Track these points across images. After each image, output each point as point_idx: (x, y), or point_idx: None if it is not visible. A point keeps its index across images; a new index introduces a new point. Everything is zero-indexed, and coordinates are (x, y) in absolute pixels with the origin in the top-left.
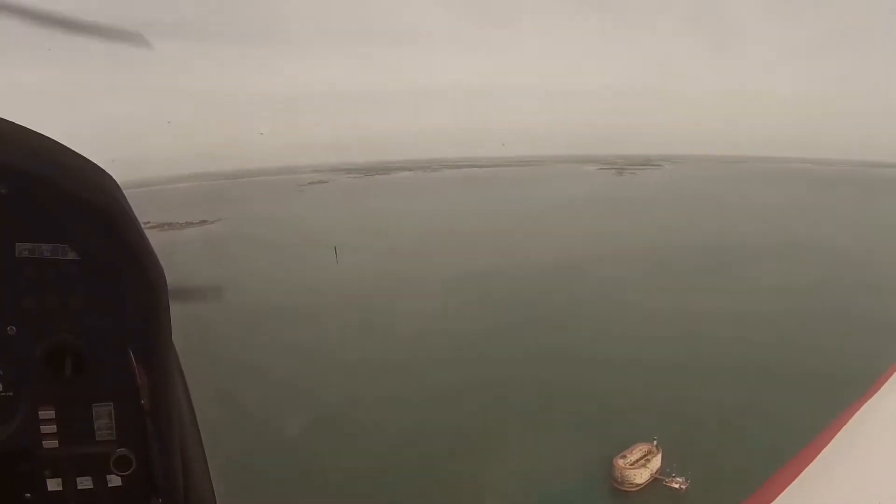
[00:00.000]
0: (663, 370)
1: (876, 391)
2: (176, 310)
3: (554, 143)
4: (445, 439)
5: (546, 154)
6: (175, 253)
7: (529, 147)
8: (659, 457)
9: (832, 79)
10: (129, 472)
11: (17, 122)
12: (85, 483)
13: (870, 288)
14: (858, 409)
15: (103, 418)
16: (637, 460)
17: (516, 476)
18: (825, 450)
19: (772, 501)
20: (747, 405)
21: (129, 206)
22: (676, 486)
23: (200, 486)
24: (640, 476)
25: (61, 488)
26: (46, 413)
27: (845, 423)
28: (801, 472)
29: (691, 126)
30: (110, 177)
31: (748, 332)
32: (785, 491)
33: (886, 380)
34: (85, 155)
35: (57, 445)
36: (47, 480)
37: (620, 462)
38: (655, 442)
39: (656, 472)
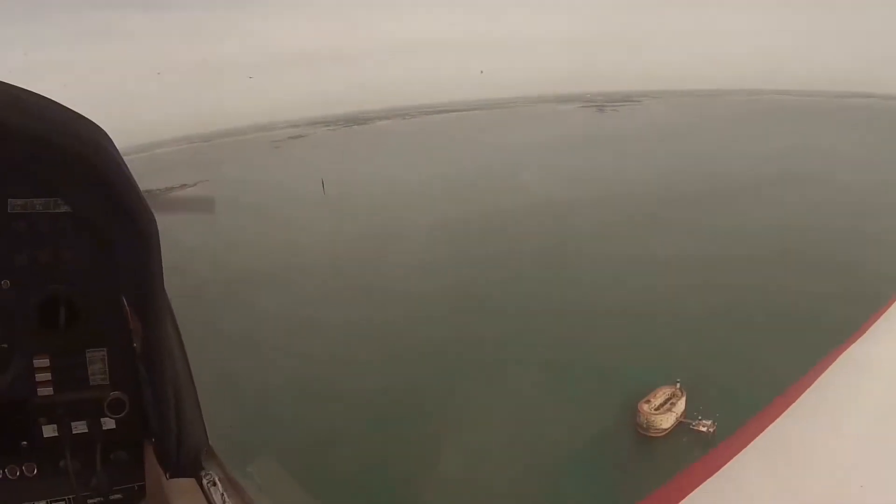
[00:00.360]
0: (668, 310)
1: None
2: (167, 262)
3: (532, 83)
4: (451, 391)
5: (524, 95)
6: (158, 219)
7: (507, 89)
8: (683, 400)
9: (804, 12)
10: (122, 414)
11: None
12: (80, 427)
13: (864, 221)
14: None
15: (97, 363)
16: (661, 404)
17: (535, 424)
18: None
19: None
20: (762, 341)
21: (120, 156)
22: (704, 429)
23: (192, 427)
24: (666, 421)
25: (57, 434)
26: (41, 362)
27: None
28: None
29: (667, 62)
30: (99, 128)
31: (754, 267)
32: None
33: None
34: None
35: (52, 392)
36: (43, 427)
37: (645, 407)
38: (679, 384)
39: (681, 416)
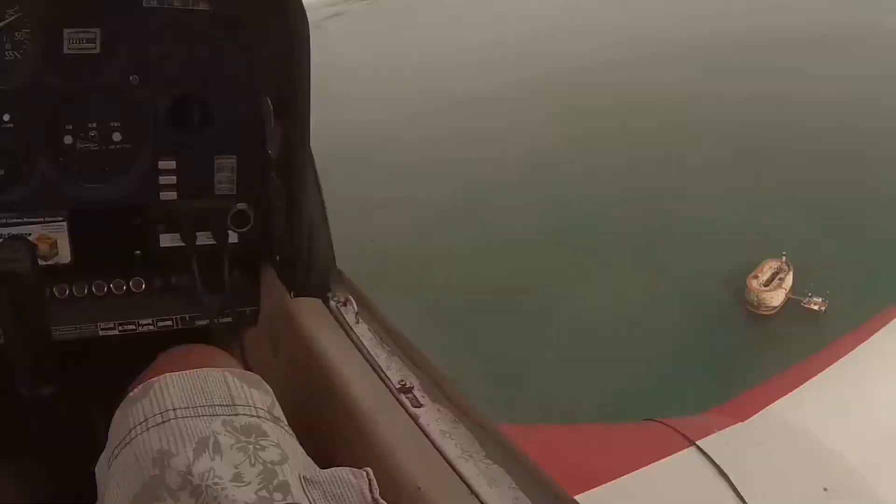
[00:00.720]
0: (766, 170)
1: None
2: None
3: None
4: (548, 262)
5: None
6: None
7: None
8: (791, 275)
9: None
10: (246, 228)
11: None
12: (200, 239)
13: None
14: None
15: (225, 171)
16: (769, 280)
17: (640, 300)
18: None
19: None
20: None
21: None
22: (815, 307)
23: (322, 246)
24: (776, 298)
25: (175, 244)
26: (166, 164)
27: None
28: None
29: None
30: None
31: (847, 116)
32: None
33: None
34: None
35: (174, 198)
36: (160, 236)
37: (753, 283)
38: (785, 257)
39: (790, 292)
